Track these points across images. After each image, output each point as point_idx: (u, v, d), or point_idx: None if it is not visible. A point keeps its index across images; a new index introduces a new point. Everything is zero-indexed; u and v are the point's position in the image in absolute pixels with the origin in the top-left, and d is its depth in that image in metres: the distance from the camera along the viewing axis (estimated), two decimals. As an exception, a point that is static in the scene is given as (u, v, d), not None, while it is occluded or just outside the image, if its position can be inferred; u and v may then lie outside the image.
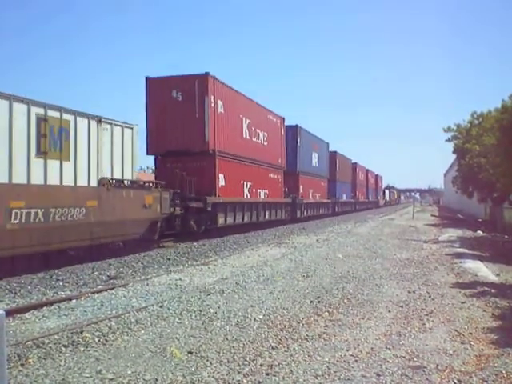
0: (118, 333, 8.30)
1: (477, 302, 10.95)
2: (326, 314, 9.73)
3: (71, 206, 15.93)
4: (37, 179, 15.07)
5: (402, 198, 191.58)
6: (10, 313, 9.54)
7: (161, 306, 10.15)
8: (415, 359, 7.07)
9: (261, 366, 6.77)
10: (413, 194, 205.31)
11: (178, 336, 8.11)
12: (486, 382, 6.27)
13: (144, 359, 7.00)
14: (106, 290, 12.23)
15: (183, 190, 23.54)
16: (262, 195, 33.14)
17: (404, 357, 7.16)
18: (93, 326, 8.64)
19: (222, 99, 26.19)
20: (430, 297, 11.39)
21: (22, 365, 6.75)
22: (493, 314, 9.91)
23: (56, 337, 7.93)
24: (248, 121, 30.40)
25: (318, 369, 6.65)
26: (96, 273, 15.18)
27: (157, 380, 6.25)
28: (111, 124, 18.59)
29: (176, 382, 6.21)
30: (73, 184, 16.51)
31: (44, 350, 7.31)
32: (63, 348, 7.46)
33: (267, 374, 6.44)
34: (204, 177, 24.80)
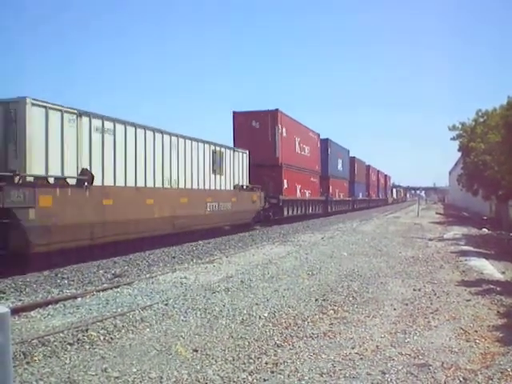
0: (123, 331, 8.32)
1: (482, 299, 10.92)
2: (331, 311, 9.73)
3: (226, 201, 27.74)
4: (212, 186, 26.32)
5: (408, 195, 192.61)
6: (15, 311, 9.57)
7: (166, 304, 10.16)
8: (420, 357, 7.06)
9: (266, 363, 6.77)
10: (418, 191, 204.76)
11: (183, 334, 8.12)
12: (492, 379, 6.25)
13: (149, 357, 7.01)
14: (111, 288, 12.24)
15: (267, 191, 33.83)
16: (307, 194, 43.31)
17: (409, 355, 7.15)
18: (98, 324, 8.65)
19: (285, 126, 36.14)
20: (435, 295, 11.37)
21: (27, 363, 6.77)
22: (498, 311, 9.90)
23: (61, 335, 7.95)
24: (298, 139, 40.35)
25: (323, 367, 6.64)
26: (101, 271, 15.21)
27: (162, 378, 6.26)
28: (238, 151, 30.20)
29: (181, 380, 6.22)
30: (224, 188, 27.90)
31: (49, 348, 7.32)
32: (68, 346, 7.47)
33: (272, 372, 6.45)
34: (275, 181, 34.82)
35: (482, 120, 39.62)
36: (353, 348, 7.46)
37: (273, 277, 13.43)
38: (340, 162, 56.97)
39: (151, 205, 20.05)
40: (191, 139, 24.01)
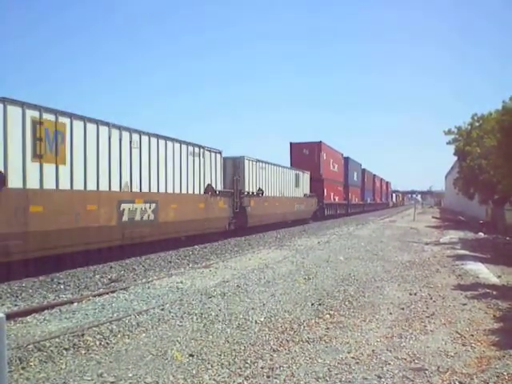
0: (119, 336, 8.31)
1: (478, 303, 10.95)
2: (328, 316, 9.73)
3: (301, 204, 43.76)
4: (295, 194, 42.41)
5: (405, 199, 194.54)
6: (11, 316, 9.57)
7: (162, 309, 10.16)
8: (416, 361, 7.07)
9: (262, 368, 6.77)
10: (414, 195, 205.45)
11: (179, 339, 8.12)
12: (487, 383, 6.27)
13: (145, 362, 7.01)
14: (107, 293, 12.24)
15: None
16: (336, 199, 58.19)
17: (405, 359, 7.16)
18: (94, 329, 8.64)
19: (325, 152, 51.86)
20: (431, 299, 11.39)
21: (23, 368, 6.76)
22: (494, 315, 9.91)
23: (57, 340, 7.94)
24: (331, 160, 55.72)
25: (319, 371, 6.65)
26: (97, 276, 15.20)
27: (158, 383, 6.26)
28: (305, 173, 45.72)
29: (177, 384, 6.22)
30: (300, 196, 44.13)
31: (45, 354, 7.31)
32: (64, 351, 7.46)
33: (268, 377, 6.45)
34: (319, 191, 49.43)
35: (477, 124, 39.67)
36: (349, 352, 7.47)
37: (269, 281, 13.43)
38: (355, 173, 72.78)
39: (278, 205, 37.60)
40: (290, 168, 42.69)
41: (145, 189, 20.15)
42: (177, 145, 22.76)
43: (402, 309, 10.42)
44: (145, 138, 20.24)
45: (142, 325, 8.99)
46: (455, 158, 52.00)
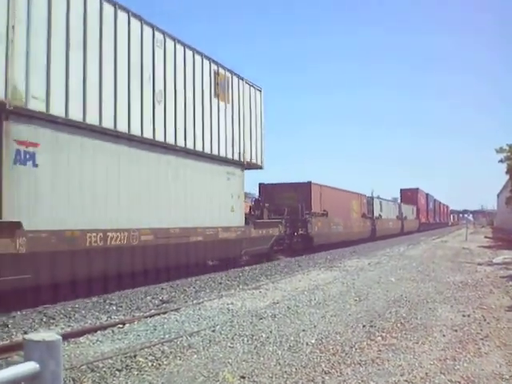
0: (170, 357, 8.37)
1: (535, 325, 10.66)
2: (379, 338, 9.61)
3: (413, 222, 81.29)
4: (411, 218, 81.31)
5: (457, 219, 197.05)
6: (64, 337, 9.71)
7: (213, 331, 10.19)
8: (471, 385, 6.93)
9: (313, 390, 6.73)
10: (466, 215, 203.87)
11: (230, 360, 8.13)
12: (546, 408, 6.11)
13: (197, 383, 7.04)
14: (158, 314, 12.35)
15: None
16: (424, 220, 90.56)
17: (459, 382, 7.01)
18: (146, 350, 8.73)
19: (419, 193, 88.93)
20: (485, 320, 11.14)
21: (77, 388, 6.88)
22: (552, 338, 9.65)
23: (110, 361, 8.04)
24: (421, 197, 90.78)
25: (371, 394, 6.57)
26: (148, 297, 15.36)
27: (210, 404, 6.28)
28: (414, 205, 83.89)
29: (229, 406, 6.23)
30: (413, 218, 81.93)
31: (98, 374, 7.42)
32: (117, 372, 7.55)
33: (320, 399, 6.41)
34: (417, 215, 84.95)
35: (530, 141, 38.91)
36: (402, 375, 7.36)
37: (319, 303, 13.36)
38: (431, 203, 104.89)
39: (411, 222, 76.67)
40: (409, 204, 74.22)
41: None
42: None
43: (455, 331, 10.22)
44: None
45: (193, 346, 9.03)
46: (507, 177, 51.02)
